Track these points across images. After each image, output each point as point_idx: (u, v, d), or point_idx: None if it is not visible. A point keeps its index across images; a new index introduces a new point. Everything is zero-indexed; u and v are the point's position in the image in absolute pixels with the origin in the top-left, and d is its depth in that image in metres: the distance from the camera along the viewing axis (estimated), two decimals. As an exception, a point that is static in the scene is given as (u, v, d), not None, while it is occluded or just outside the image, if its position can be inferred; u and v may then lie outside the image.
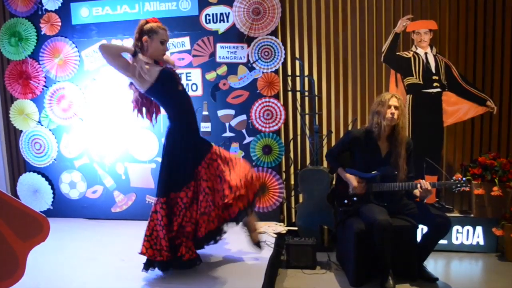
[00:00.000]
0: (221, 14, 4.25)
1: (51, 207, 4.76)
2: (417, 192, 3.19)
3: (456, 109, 4.03)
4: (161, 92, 2.99)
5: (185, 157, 3.01)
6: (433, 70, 4.00)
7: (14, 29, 4.62)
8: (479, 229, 3.81)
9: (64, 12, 4.55)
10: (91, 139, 4.61)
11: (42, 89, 4.67)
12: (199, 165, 3.02)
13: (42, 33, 4.60)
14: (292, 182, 4.43)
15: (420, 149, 3.84)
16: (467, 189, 3.05)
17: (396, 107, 3.17)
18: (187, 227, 2.98)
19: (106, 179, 4.62)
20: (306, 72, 4.31)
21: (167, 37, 3.01)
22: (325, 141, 4.29)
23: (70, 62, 4.57)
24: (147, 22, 2.96)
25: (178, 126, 3.04)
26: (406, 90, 4.06)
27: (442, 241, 3.69)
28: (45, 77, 4.66)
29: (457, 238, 3.85)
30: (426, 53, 4.02)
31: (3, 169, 4.94)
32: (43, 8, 4.57)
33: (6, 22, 4.68)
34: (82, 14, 4.51)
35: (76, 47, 4.54)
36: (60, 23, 4.56)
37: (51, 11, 4.57)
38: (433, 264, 3.58)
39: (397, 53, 4.07)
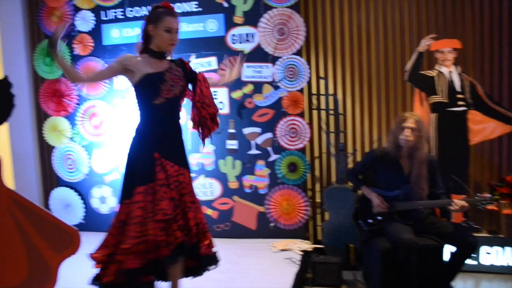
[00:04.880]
0: (247, 34, 4.34)
1: (83, 221, 4.86)
2: (452, 209, 3.18)
3: (482, 128, 4.00)
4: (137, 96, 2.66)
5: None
6: (458, 89, 3.98)
7: (48, 49, 4.70)
8: (508, 249, 3.76)
9: (96, 33, 4.70)
10: (121, 155, 4.63)
11: (75, 106, 4.81)
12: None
13: (75, 53, 4.75)
14: (318, 200, 4.46)
15: (446, 167, 3.82)
16: (495, 207, 3.02)
17: (412, 129, 3.19)
18: None
19: (135, 195, 4.68)
20: (331, 91, 4.36)
21: (174, 24, 2.56)
22: (350, 159, 4.32)
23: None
24: (156, 8, 2.59)
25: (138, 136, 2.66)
26: (431, 109, 4.05)
27: (471, 262, 3.66)
28: (77, 95, 4.80)
29: (486, 259, 3.80)
30: (450, 72, 4.01)
31: (36, 183, 5.09)
32: (76, 29, 4.73)
33: (41, 42, 4.86)
34: (113, 35, 4.66)
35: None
36: (92, 44, 4.71)
37: (84, 32, 4.72)
38: (462, 285, 3.56)
39: (421, 72, 4.06)
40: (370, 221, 3.42)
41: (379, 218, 3.36)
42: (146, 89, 2.58)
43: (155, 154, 2.55)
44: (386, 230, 3.23)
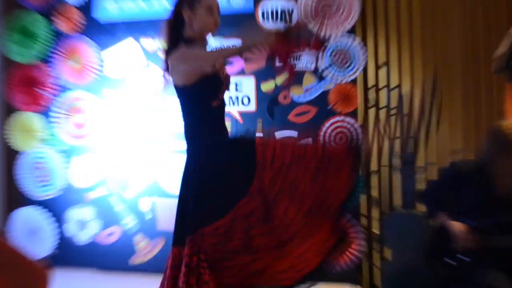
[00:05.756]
0: (282, 12, 3.84)
1: (53, 253, 4.26)
2: None
3: None
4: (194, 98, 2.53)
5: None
6: None
7: (20, 23, 4.27)
8: None
9: (86, 6, 4.23)
10: (109, 165, 4.22)
11: (51, 99, 4.29)
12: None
13: (56, 30, 4.25)
14: (376, 231, 3.82)
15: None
16: None
17: None
18: None
19: (127, 218, 4.17)
20: (394, 83, 3.80)
21: (215, 2, 2.51)
22: (421, 176, 3.69)
23: (90, 66, 4.20)
24: None
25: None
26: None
27: None
28: (55, 84, 4.27)
29: None
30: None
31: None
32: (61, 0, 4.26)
33: (12, 13, 4.30)
34: (108, 9, 4.19)
35: (99, 48, 4.19)
36: (80, 20, 4.21)
37: (70, 4, 4.21)
38: None
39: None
40: (449, 261, 2.81)
41: (466, 259, 2.74)
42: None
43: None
44: (476, 278, 2.66)
